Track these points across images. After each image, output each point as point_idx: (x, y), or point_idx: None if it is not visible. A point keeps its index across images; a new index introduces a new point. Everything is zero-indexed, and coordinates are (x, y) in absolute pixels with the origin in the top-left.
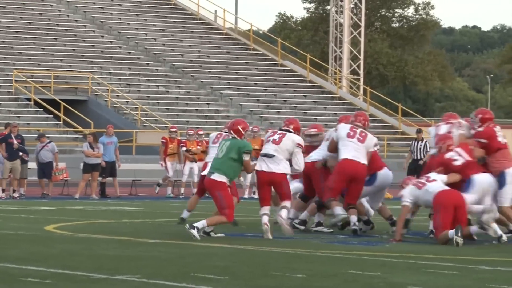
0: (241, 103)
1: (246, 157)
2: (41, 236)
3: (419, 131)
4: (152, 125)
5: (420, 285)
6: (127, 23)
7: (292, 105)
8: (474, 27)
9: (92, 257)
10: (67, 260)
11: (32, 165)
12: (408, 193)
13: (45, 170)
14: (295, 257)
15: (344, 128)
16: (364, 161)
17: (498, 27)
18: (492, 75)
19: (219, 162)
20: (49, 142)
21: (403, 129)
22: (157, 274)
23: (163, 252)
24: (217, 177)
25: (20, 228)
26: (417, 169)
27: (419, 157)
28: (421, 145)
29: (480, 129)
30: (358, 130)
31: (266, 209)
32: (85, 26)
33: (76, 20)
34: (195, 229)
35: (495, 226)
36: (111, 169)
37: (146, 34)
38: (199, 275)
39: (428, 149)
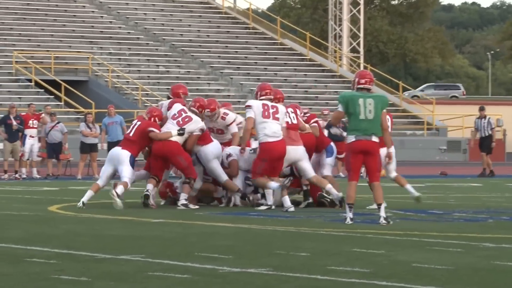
0: (241, 82)
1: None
2: (45, 216)
3: (482, 109)
4: (153, 105)
5: (425, 263)
6: (126, 3)
7: (293, 83)
8: (474, 3)
9: (96, 237)
10: (71, 240)
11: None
12: None
13: (55, 150)
14: (299, 235)
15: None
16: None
17: (498, 3)
18: (492, 52)
19: None
20: (58, 123)
21: (404, 107)
22: (161, 254)
23: (166, 231)
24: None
25: (23, 209)
26: (486, 145)
27: (484, 134)
28: (484, 122)
29: None
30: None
31: None
32: (84, 6)
33: (75, 1)
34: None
35: None
36: None
37: (145, 14)
38: (203, 254)
39: (492, 125)
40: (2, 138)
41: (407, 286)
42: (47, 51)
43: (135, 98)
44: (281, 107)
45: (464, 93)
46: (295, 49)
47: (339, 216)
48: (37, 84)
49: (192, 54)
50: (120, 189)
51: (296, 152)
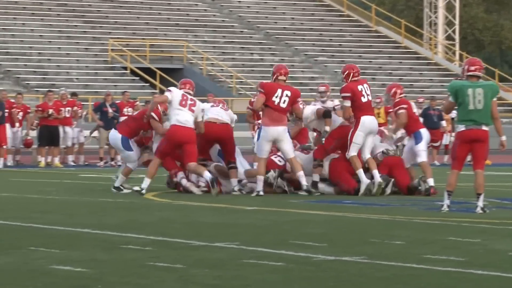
0: (335, 70)
1: None
2: (140, 204)
3: None
4: (247, 92)
5: None
6: None
7: (387, 71)
8: None
9: (190, 224)
10: (166, 227)
11: None
12: None
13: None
14: (394, 224)
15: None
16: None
17: None
18: None
19: None
20: None
21: (500, 94)
22: (255, 241)
23: (260, 219)
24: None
25: (119, 196)
26: None
27: None
28: None
29: None
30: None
31: None
32: None
33: None
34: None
35: None
36: None
37: (239, 1)
38: (297, 242)
39: None
40: (98, 125)
41: (504, 275)
42: (143, 39)
43: (229, 86)
44: (199, 103)
45: None
46: (390, 36)
47: (434, 205)
48: (133, 72)
49: (286, 41)
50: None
51: (274, 131)
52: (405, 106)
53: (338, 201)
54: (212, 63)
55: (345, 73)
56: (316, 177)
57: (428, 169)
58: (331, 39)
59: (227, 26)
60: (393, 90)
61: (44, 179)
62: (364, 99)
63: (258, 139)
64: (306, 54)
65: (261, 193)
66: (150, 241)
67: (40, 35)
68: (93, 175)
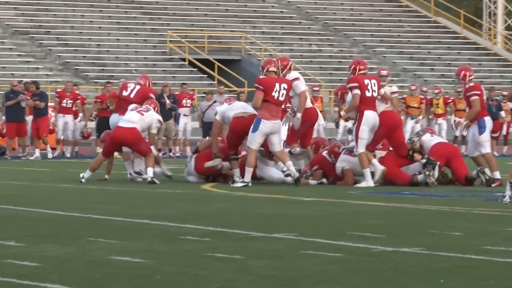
0: (394, 61)
1: None
2: (198, 195)
3: None
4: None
5: None
6: None
7: (446, 62)
8: None
9: (248, 215)
10: (224, 218)
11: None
12: None
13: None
14: (453, 215)
15: None
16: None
17: None
18: None
19: None
20: (214, 102)
21: None
22: (314, 232)
23: (319, 210)
24: None
25: (177, 187)
26: None
27: None
28: None
29: None
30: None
31: None
32: None
33: None
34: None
35: None
36: None
37: None
38: (355, 233)
39: None
40: None
41: None
42: (201, 30)
43: None
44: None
45: None
46: (448, 27)
47: (493, 196)
48: (191, 63)
49: (344, 32)
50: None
51: (274, 125)
52: (478, 92)
53: (397, 192)
54: (270, 54)
55: (352, 67)
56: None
57: (492, 161)
58: (390, 29)
59: (286, 17)
60: (463, 73)
61: (102, 170)
62: (368, 93)
63: (254, 130)
64: (364, 45)
65: (249, 184)
66: (209, 232)
67: (99, 27)
68: None
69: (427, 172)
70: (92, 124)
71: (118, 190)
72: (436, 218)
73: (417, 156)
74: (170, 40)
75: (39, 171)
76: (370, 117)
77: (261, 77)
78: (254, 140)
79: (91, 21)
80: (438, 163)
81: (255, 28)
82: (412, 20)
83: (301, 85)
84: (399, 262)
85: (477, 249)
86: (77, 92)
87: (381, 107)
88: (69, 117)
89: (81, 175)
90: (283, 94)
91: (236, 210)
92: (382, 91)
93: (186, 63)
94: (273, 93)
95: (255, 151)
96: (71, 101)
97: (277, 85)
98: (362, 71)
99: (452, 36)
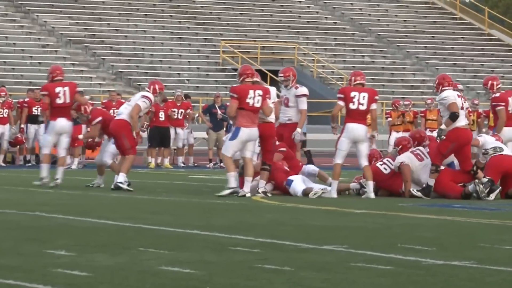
0: (447, 73)
1: None
2: (249, 205)
3: None
4: None
5: None
6: None
7: (500, 75)
8: None
9: (299, 227)
10: (274, 229)
11: None
12: None
13: None
14: (504, 228)
15: None
16: None
17: None
18: None
19: None
20: None
21: None
22: (364, 245)
23: (369, 222)
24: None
25: (228, 197)
26: None
27: None
28: None
29: None
30: None
31: None
32: None
33: None
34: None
35: None
36: None
37: (352, 4)
38: (406, 246)
39: None
40: (207, 127)
41: None
42: (254, 41)
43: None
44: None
45: None
46: (502, 40)
47: None
48: None
49: (398, 44)
50: None
51: (252, 132)
52: (503, 103)
53: (448, 205)
54: (323, 66)
55: (349, 79)
56: (431, 182)
57: None
58: (443, 42)
59: (339, 29)
60: (490, 82)
61: (154, 180)
62: (353, 106)
63: (232, 138)
64: (417, 57)
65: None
66: (259, 243)
67: (153, 37)
68: (202, 176)
69: (476, 181)
70: (144, 134)
71: (168, 200)
72: (487, 232)
73: (480, 173)
74: (223, 51)
75: (90, 181)
76: (350, 129)
77: (234, 85)
78: (230, 148)
79: (144, 31)
80: (500, 188)
81: (308, 39)
82: (465, 33)
83: (304, 104)
84: (450, 275)
85: None
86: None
87: (461, 122)
88: None
89: (120, 181)
90: (258, 100)
91: (286, 221)
92: (467, 104)
93: None
94: (248, 100)
95: (230, 158)
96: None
97: (251, 92)
98: (357, 82)
99: (506, 49)
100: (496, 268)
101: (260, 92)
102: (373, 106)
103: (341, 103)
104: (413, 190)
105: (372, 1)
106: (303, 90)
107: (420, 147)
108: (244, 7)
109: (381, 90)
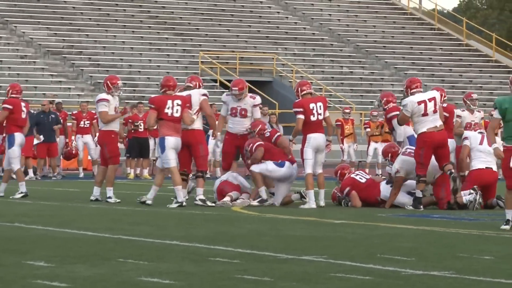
0: (425, 84)
1: None
2: (228, 216)
3: None
4: (336, 105)
5: None
6: (311, 4)
7: (478, 85)
8: None
9: (279, 237)
10: (254, 240)
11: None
12: None
13: None
14: (483, 238)
15: None
16: None
17: None
18: None
19: None
20: None
21: None
22: (343, 255)
23: (349, 232)
24: None
25: (207, 208)
26: None
27: None
28: None
29: None
30: None
31: None
32: (270, 7)
33: (261, 2)
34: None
35: None
36: None
37: (330, 14)
38: (385, 256)
39: None
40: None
41: None
42: (232, 51)
43: None
44: None
45: None
46: (480, 50)
47: None
48: (222, 84)
49: (376, 55)
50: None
51: (177, 141)
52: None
53: (427, 216)
54: (301, 76)
55: (296, 90)
56: (418, 193)
57: None
58: (421, 52)
59: (317, 39)
60: (385, 99)
61: (132, 190)
62: (313, 118)
63: (163, 150)
64: (396, 67)
65: (184, 203)
66: (239, 254)
67: (131, 48)
68: None
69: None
70: (121, 145)
71: (148, 211)
72: (466, 242)
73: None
74: (201, 62)
75: (69, 192)
76: (312, 139)
77: (153, 96)
78: (168, 159)
79: (123, 41)
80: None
81: (287, 50)
82: (443, 43)
83: (259, 113)
84: (429, 285)
85: (507, 273)
86: (93, 111)
87: (424, 127)
88: (87, 137)
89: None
90: (177, 110)
91: (266, 232)
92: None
93: (218, 84)
94: (166, 110)
95: (175, 167)
96: (88, 122)
97: (169, 102)
98: (305, 92)
99: (484, 60)
100: (475, 278)
101: (179, 101)
102: (327, 113)
103: (302, 116)
104: (406, 206)
105: (350, 12)
106: (259, 99)
107: (409, 146)
108: (222, 18)
109: (360, 101)
